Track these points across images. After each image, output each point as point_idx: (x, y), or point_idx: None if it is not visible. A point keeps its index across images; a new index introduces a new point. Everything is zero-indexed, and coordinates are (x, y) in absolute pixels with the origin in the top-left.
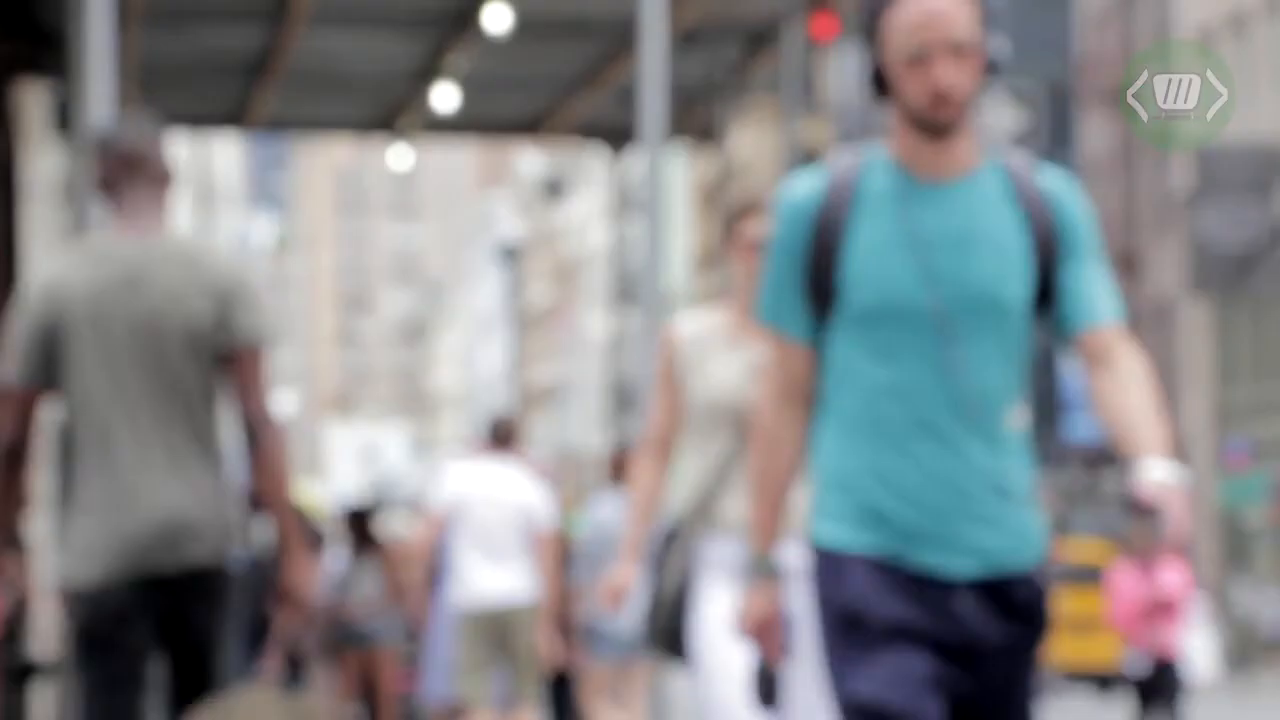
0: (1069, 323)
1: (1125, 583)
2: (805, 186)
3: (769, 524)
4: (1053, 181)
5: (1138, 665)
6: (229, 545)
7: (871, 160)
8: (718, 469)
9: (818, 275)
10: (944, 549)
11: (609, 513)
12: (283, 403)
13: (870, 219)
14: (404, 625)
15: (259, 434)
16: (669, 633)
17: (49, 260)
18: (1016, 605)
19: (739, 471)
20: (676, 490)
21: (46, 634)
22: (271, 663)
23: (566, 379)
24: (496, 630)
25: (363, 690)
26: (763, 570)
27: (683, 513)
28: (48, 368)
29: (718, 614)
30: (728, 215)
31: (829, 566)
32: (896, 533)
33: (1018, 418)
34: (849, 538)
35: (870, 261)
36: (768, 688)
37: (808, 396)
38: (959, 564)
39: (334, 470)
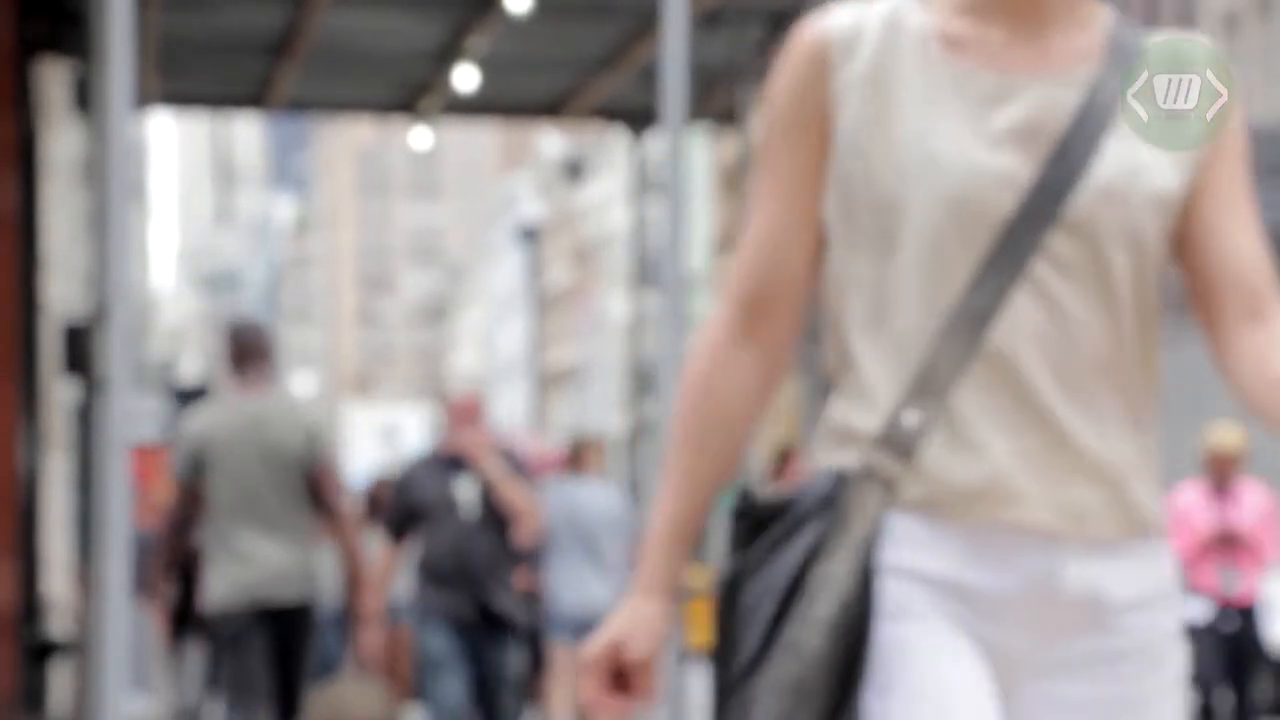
0: None
1: (1192, 507)
2: None
3: None
4: None
5: (1202, 614)
6: (314, 590)
7: None
8: (940, 353)
9: None
10: None
11: (560, 503)
12: (302, 384)
13: None
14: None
15: (337, 519)
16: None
17: (201, 413)
18: None
19: (1010, 357)
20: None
21: (64, 613)
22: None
23: (586, 361)
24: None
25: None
26: None
27: (848, 456)
28: (199, 476)
29: (928, 687)
30: None
31: None
32: None
33: None
34: None
35: None
36: None
37: None
38: None
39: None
